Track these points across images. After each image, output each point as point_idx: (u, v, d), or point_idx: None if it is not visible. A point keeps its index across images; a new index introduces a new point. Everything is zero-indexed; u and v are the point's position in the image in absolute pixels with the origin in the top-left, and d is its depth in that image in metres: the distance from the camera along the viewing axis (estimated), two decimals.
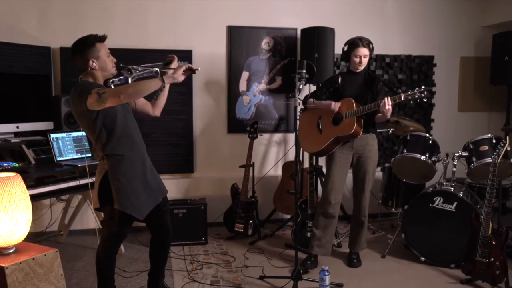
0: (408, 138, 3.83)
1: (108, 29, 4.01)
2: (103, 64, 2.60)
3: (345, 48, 3.43)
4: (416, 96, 3.09)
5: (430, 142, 3.77)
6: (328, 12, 4.68)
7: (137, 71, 2.58)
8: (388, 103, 3.11)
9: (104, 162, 2.60)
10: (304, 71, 3.04)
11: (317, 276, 3.14)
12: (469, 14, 5.06)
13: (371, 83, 3.44)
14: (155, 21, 4.40)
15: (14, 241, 2.25)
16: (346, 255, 3.74)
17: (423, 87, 3.12)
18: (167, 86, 2.82)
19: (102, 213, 2.72)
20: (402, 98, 3.11)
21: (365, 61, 3.37)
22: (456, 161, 3.61)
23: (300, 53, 4.51)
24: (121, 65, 2.62)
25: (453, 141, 4.62)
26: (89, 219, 4.31)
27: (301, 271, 3.31)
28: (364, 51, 3.34)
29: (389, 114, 3.19)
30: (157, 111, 2.88)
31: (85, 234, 4.26)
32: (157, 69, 2.65)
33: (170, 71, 2.55)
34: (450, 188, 3.56)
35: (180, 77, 2.50)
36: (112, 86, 2.59)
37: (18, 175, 2.28)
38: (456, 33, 5.06)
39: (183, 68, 2.50)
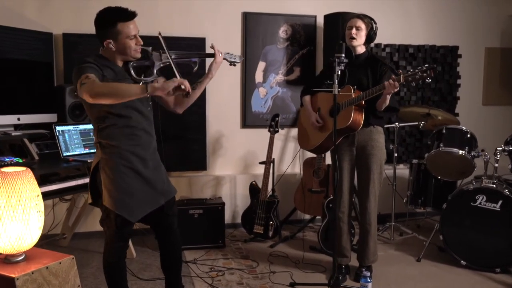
0: (444, 131, 3.55)
1: None
2: (121, 48, 2.25)
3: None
4: (417, 77, 2.66)
5: (468, 135, 3.50)
6: None
7: (168, 58, 2.30)
8: (394, 85, 2.67)
9: (98, 150, 2.29)
10: (343, 55, 2.72)
11: (354, 283, 2.84)
12: (495, 3, 4.81)
13: (373, 66, 2.97)
14: (166, 7, 4.07)
15: (24, 247, 1.93)
16: (380, 257, 3.44)
17: (426, 65, 2.71)
18: (201, 86, 2.49)
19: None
20: (402, 80, 2.69)
21: (359, 34, 2.96)
22: (498, 155, 3.34)
23: (324, 41, 4.19)
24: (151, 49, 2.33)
25: (477, 136, 4.36)
26: (96, 220, 3.95)
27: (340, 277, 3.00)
28: (356, 21, 2.95)
29: (387, 100, 2.78)
30: (179, 109, 2.56)
31: (91, 237, 3.92)
32: (196, 58, 2.39)
33: (160, 81, 2.23)
34: (492, 185, 3.29)
35: (165, 91, 2.02)
36: (132, 70, 2.30)
37: (29, 169, 1.96)
38: (482, 23, 4.80)
39: (176, 84, 2.02)
